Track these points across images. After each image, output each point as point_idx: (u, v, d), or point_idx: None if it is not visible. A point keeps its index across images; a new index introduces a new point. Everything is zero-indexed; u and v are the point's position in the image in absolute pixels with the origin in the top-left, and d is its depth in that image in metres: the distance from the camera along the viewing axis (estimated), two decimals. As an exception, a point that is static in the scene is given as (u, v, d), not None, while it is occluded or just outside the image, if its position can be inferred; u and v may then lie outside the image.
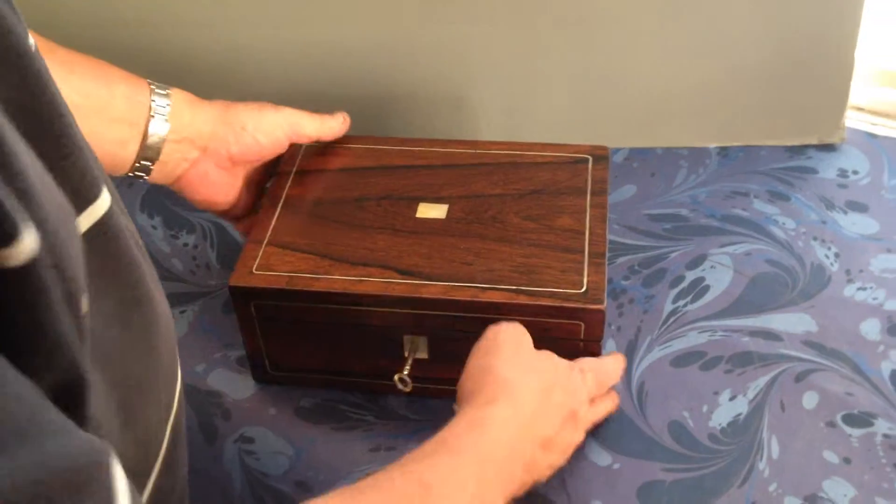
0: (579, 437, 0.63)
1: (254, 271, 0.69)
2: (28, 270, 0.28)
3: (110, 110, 0.64)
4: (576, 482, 0.67)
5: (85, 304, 0.32)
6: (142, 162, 0.67)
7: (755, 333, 0.76)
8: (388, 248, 0.70)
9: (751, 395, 0.72)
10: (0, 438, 0.25)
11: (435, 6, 0.87)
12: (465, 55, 0.91)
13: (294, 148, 0.78)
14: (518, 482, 0.56)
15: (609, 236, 0.85)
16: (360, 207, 0.74)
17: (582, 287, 0.67)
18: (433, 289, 0.67)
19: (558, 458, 0.61)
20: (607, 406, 0.68)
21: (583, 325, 0.67)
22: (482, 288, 0.67)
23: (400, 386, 0.70)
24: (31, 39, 0.35)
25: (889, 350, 0.74)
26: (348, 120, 0.79)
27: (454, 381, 0.63)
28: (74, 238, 0.33)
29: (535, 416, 0.57)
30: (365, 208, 0.74)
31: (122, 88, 0.65)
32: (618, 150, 0.96)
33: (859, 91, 0.96)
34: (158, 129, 0.66)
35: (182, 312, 0.82)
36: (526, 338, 0.62)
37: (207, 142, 0.70)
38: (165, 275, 0.85)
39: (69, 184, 0.35)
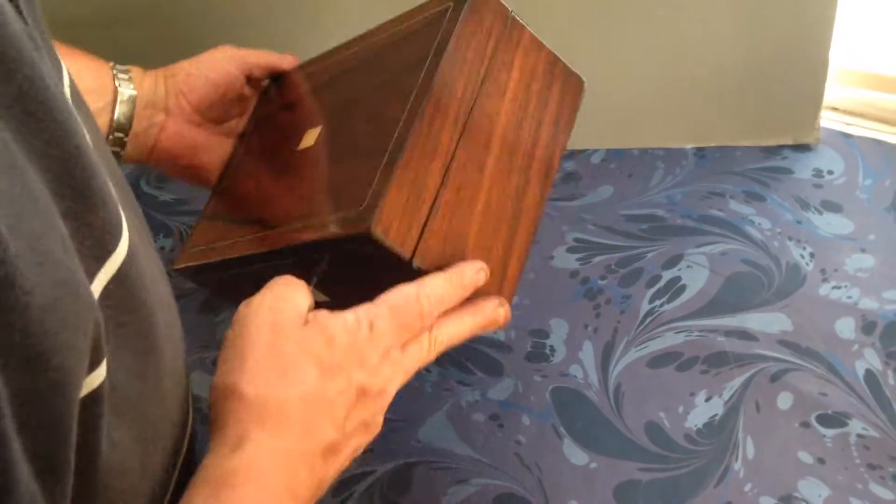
0: (383, 405, 0.49)
1: (187, 249, 0.69)
2: (99, 394, 0.28)
3: (78, 82, 0.63)
4: (552, 481, 0.67)
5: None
6: (115, 134, 0.67)
7: (731, 333, 0.77)
8: (271, 198, 0.63)
9: (726, 395, 0.72)
10: None
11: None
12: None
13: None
14: None
15: (585, 236, 0.86)
16: (266, 154, 0.70)
17: (360, 207, 0.50)
18: (277, 240, 0.57)
19: (359, 441, 0.48)
20: (453, 329, 0.52)
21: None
22: (298, 228, 0.56)
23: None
24: (66, 85, 0.35)
25: (863, 349, 0.75)
26: (295, 58, 0.76)
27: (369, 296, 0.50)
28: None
29: (306, 431, 0.44)
30: (268, 151, 0.69)
31: (85, 62, 0.65)
32: (595, 151, 0.96)
33: (834, 91, 0.97)
34: (125, 99, 0.66)
35: (158, 316, 0.81)
36: (285, 314, 0.46)
37: (165, 100, 0.69)
38: (141, 278, 0.85)
39: (91, 238, 0.34)
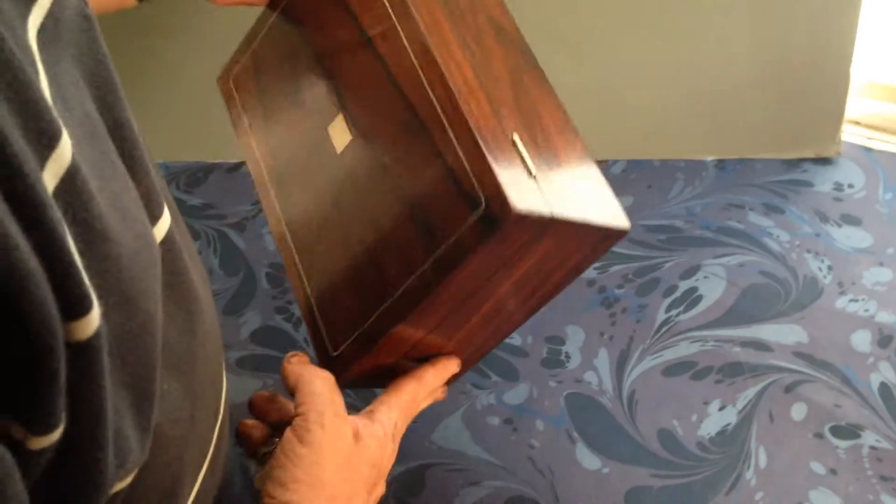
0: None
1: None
2: (93, 344, 0.28)
3: None
4: (565, 486, 0.68)
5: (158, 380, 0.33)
6: None
7: (746, 344, 0.77)
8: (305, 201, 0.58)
9: (740, 405, 0.73)
10: None
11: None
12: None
13: None
14: None
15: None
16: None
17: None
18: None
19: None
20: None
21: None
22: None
23: None
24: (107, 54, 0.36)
25: (879, 362, 0.75)
26: None
27: None
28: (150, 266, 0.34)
29: None
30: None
31: None
32: (616, 161, 0.97)
33: (856, 105, 0.97)
34: None
35: (183, 316, 0.83)
36: (344, 443, 0.51)
37: None
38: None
39: (142, 202, 0.36)
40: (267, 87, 0.64)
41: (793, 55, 0.90)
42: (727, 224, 0.89)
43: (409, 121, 0.52)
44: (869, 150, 0.96)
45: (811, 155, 0.96)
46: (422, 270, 0.50)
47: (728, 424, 0.72)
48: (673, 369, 0.76)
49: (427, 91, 0.51)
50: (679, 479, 0.68)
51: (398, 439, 0.55)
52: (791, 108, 0.93)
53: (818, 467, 0.68)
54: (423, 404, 0.58)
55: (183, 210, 0.94)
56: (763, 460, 0.69)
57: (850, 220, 0.89)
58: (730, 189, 0.93)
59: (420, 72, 0.52)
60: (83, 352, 0.28)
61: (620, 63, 0.91)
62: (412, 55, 0.52)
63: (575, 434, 0.72)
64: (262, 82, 0.64)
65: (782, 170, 0.95)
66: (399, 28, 0.53)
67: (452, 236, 0.49)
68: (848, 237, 0.87)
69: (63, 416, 0.28)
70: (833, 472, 0.68)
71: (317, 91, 0.59)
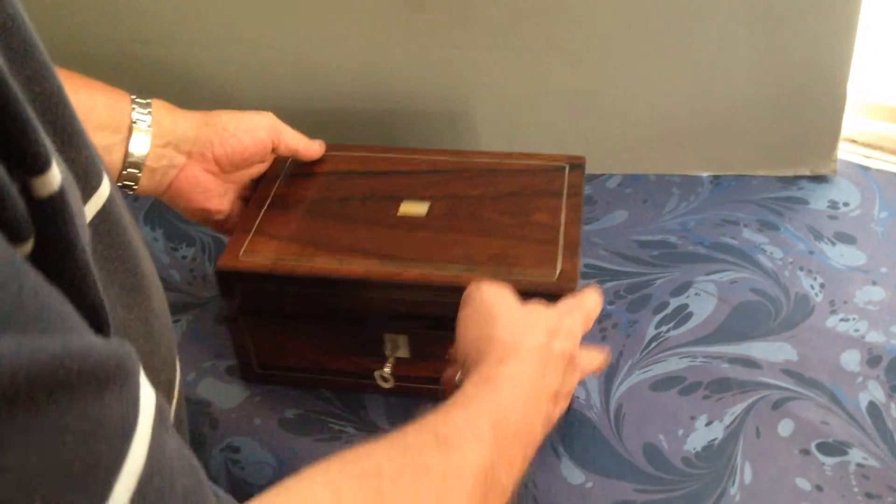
0: (577, 379, 0.63)
1: (240, 256, 0.71)
2: (59, 198, 0.29)
3: (92, 118, 0.65)
4: (548, 499, 0.68)
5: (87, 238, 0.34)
6: (129, 170, 0.69)
7: (735, 361, 0.77)
8: (370, 239, 0.72)
9: (727, 420, 0.73)
10: (21, 321, 0.25)
11: (439, 33, 0.89)
12: (465, 82, 0.93)
13: (282, 158, 0.81)
14: (537, 438, 0.55)
15: (596, 262, 0.87)
16: (344, 205, 0.76)
17: (555, 275, 0.68)
18: (412, 273, 0.69)
19: (562, 406, 0.60)
20: (599, 358, 0.67)
21: None
22: (460, 272, 0.69)
23: (380, 382, 0.72)
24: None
25: (867, 381, 0.75)
26: (324, 146, 0.81)
27: (434, 379, 0.66)
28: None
29: (544, 370, 0.57)
30: (349, 206, 0.76)
31: (102, 97, 0.67)
32: (611, 175, 0.97)
33: (853, 123, 0.97)
34: (141, 135, 0.68)
35: (176, 322, 0.84)
36: (511, 296, 0.61)
37: (192, 146, 0.71)
38: (163, 285, 0.87)
39: (75, 173, 0.36)
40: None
41: (790, 73, 0.90)
42: (721, 240, 0.89)
43: None
44: (865, 168, 0.96)
45: (807, 172, 0.96)
46: None
47: (714, 439, 0.72)
48: (661, 384, 0.76)
49: None
50: (663, 493, 0.68)
51: (577, 332, 0.61)
52: (788, 126, 0.93)
53: (804, 483, 0.68)
54: (589, 361, 0.65)
55: (179, 217, 0.95)
56: (748, 476, 0.69)
57: (845, 238, 0.89)
58: (725, 205, 0.93)
59: None
60: (49, 206, 0.29)
61: (619, 77, 0.92)
62: None
63: (560, 448, 0.72)
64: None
65: (778, 187, 0.95)
66: None
67: None
68: (842, 255, 0.87)
69: (51, 156, 0.28)
70: (819, 488, 0.68)
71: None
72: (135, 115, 0.67)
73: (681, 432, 0.72)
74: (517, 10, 0.87)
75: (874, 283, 0.84)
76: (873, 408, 0.73)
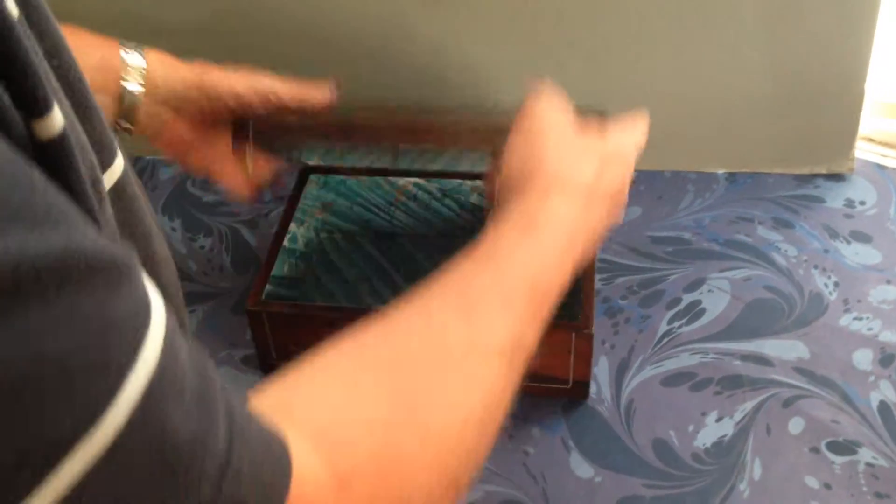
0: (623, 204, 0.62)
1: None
2: (60, 143, 0.29)
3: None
4: (556, 493, 0.69)
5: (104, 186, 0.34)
6: (121, 124, 0.68)
7: (747, 358, 0.77)
8: None
9: (738, 417, 0.73)
10: (30, 216, 0.25)
11: (453, 26, 0.90)
12: (480, 78, 0.93)
13: None
14: (567, 283, 0.54)
15: (609, 257, 0.87)
16: None
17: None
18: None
19: (600, 239, 0.59)
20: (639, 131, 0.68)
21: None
22: None
23: None
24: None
25: (879, 381, 0.75)
26: (334, 91, 0.75)
27: None
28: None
29: (588, 209, 0.56)
30: None
31: (95, 58, 0.65)
32: (627, 171, 0.97)
33: (870, 122, 0.97)
34: (132, 94, 0.67)
35: (192, 312, 0.85)
36: (567, 119, 0.59)
37: (181, 103, 0.70)
38: (180, 275, 0.88)
39: (91, 144, 0.37)
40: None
41: (807, 70, 0.90)
42: (735, 237, 0.89)
43: None
44: (882, 167, 0.96)
45: (824, 171, 0.95)
46: None
47: (724, 436, 0.72)
48: (672, 380, 0.76)
49: None
50: (672, 489, 0.68)
51: (634, 158, 0.64)
52: (805, 124, 0.93)
53: (812, 482, 0.68)
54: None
55: (197, 207, 0.96)
56: (757, 473, 0.69)
57: (860, 236, 0.88)
58: (740, 202, 0.93)
59: None
60: (51, 149, 0.29)
61: (634, 73, 0.92)
62: None
63: (570, 442, 0.72)
64: None
65: (794, 185, 0.95)
66: None
67: None
68: (857, 254, 0.86)
69: (52, 100, 0.29)
70: (827, 486, 0.68)
71: None
72: (128, 68, 0.66)
73: (691, 428, 0.73)
74: (532, 6, 0.88)
75: (889, 282, 0.84)
76: (884, 407, 0.73)
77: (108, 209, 0.37)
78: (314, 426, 0.40)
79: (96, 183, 0.34)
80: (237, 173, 0.75)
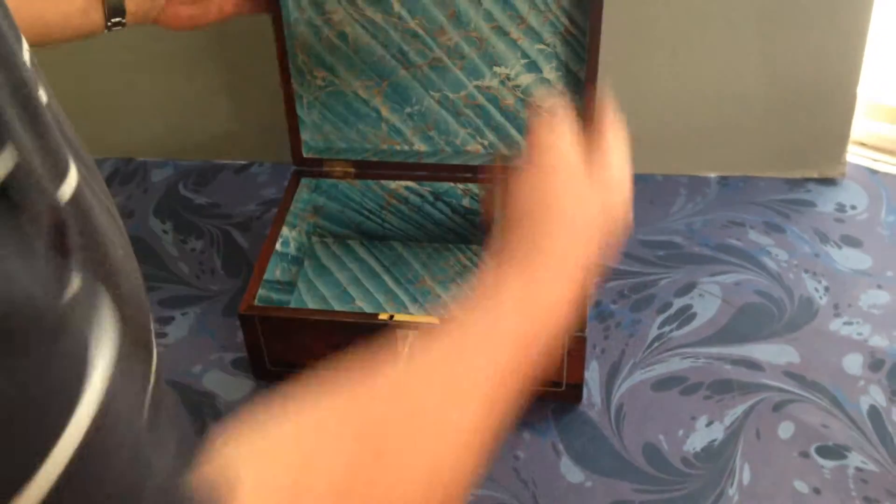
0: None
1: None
2: (77, 199, 0.29)
3: None
4: (547, 497, 0.69)
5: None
6: (112, 20, 0.68)
7: (737, 362, 0.78)
8: None
9: (728, 421, 0.73)
10: None
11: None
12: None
13: None
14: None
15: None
16: None
17: None
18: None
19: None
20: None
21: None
22: None
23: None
24: (24, 49, 0.37)
25: (869, 385, 0.75)
26: None
27: None
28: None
29: (593, 241, 0.53)
30: None
31: None
32: (619, 175, 0.97)
33: (862, 126, 0.97)
34: None
35: (184, 314, 0.85)
36: (576, 148, 0.55)
37: None
38: (171, 278, 0.89)
39: (43, 159, 0.36)
40: None
41: (800, 75, 0.90)
42: (726, 241, 0.89)
43: None
44: (874, 171, 0.96)
45: (815, 175, 0.96)
46: None
47: (714, 440, 0.72)
48: (662, 384, 0.76)
49: None
50: (662, 493, 0.69)
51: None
52: (796, 128, 0.93)
53: (802, 486, 0.69)
54: None
55: (189, 209, 0.96)
56: (747, 477, 0.69)
57: (851, 241, 0.89)
58: (731, 206, 0.93)
59: None
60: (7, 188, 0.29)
61: (627, 77, 0.92)
62: None
63: (561, 446, 0.72)
64: None
65: (785, 189, 0.95)
66: None
67: None
68: (847, 258, 0.87)
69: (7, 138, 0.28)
70: (817, 491, 0.68)
71: None
72: None
73: (681, 432, 0.73)
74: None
75: (879, 286, 0.84)
76: (874, 412, 0.73)
77: (73, 226, 0.37)
78: (272, 487, 0.39)
79: (55, 210, 0.34)
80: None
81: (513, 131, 0.84)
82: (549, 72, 0.80)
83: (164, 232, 0.94)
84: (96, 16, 0.67)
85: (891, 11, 0.92)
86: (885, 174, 0.95)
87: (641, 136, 0.96)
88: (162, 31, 0.93)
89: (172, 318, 0.85)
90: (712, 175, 0.97)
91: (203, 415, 0.76)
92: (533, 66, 0.80)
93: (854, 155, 0.97)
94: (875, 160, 0.97)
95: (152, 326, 0.50)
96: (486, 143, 0.85)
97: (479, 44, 0.79)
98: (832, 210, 0.92)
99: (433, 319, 0.72)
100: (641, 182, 0.96)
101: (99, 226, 0.42)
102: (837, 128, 0.93)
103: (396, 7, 0.78)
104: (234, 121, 1.00)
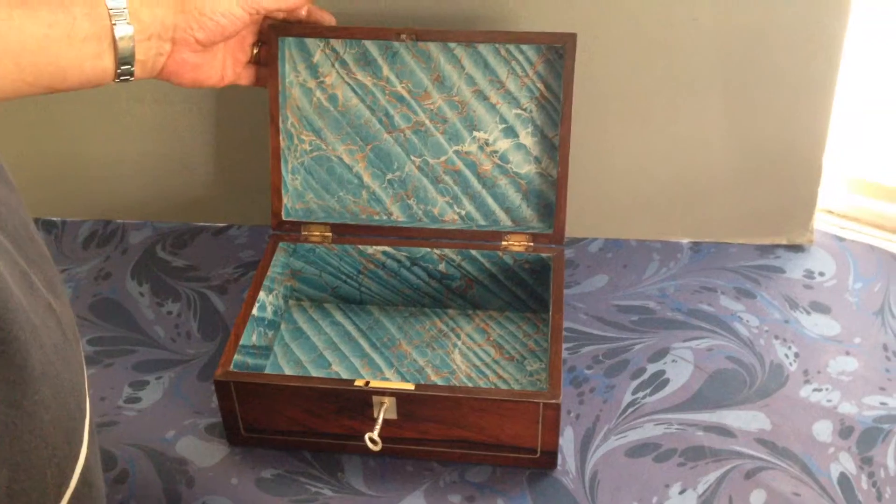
0: None
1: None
2: None
3: (76, 32, 0.66)
4: (521, 568, 0.68)
5: None
6: (122, 67, 0.70)
7: (710, 429, 0.78)
8: None
9: (700, 489, 0.74)
10: None
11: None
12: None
13: None
14: None
15: (576, 325, 0.88)
16: None
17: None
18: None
19: None
20: None
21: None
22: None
23: (370, 445, 0.73)
24: None
25: (839, 452, 0.76)
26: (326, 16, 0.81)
27: (419, 440, 0.71)
28: None
29: None
30: None
31: (79, 8, 0.67)
32: (593, 240, 0.99)
33: (830, 195, 0.99)
34: (124, 33, 0.69)
35: (158, 378, 0.85)
36: None
37: (173, 33, 0.72)
38: (147, 341, 0.89)
39: None
40: None
41: (767, 145, 0.92)
42: (698, 307, 0.90)
43: None
44: (841, 239, 0.98)
45: (784, 242, 0.98)
46: None
47: (687, 509, 0.72)
48: (636, 450, 0.77)
49: None
50: (635, 563, 0.69)
51: None
52: (765, 196, 0.95)
53: (774, 557, 0.69)
54: None
55: (166, 272, 0.96)
56: (720, 547, 0.70)
57: (820, 307, 0.90)
58: (703, 272, 0.95)
59: None
60: None
61: (602, 145, 0.94)
62: None
63: (535, 513, 0.72)
64: None
65: (756, 255, 0.97)
66: None
67: None
68: (816, 325, 0.88)
69: None
70: (789, 562, 0.69)
71: None
72: (112, 14, 0.68)
73: (654, 500, 0.73)
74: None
75: (847, 353, 0.85)
76: (844, 479, 0.74)
77: None
78: None
79: None
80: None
81: (489, 201, 0.86)
82: (525, 136, 0.82)
83: (141, 294, 0.94)
84: (108, 61, 0.68)
85: (855, 83, 0.95)
86: (853, 242, 0.97)
87: (616, 201, 0.98)
88: (143, 93, 0.95)
89: (147, 383, 0.84)
90: (685, 241, 0.99)
91: (175, 482, 0.75)
92: (510, 132, 0.82)
93: (822, 222, 0.99)
94: (842, 228, 0.99)
95: (87, 423, 0.50)
96: (462, 212, 0.86)
97: (461, 107, 0.82)
98: (801, 276, 0.94)
99: (409, 386, 0.72)
100: (616, 247, 0.98)
101: (11, 326, 0.42)
102: (804, 196, 0.95)
103: (385, 71, 0.81)
104: (213, 184, 1.01)
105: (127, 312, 0.92)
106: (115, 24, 0.68)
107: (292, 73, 0.83)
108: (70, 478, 0.48)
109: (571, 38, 0.78)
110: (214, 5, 0.73)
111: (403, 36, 0.78)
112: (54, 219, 1.03)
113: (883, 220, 0.98)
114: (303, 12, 0.80)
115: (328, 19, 0.81)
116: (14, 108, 0.98)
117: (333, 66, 0.81)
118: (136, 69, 0.71)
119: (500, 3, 0.85)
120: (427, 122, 0.83)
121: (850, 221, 0.99)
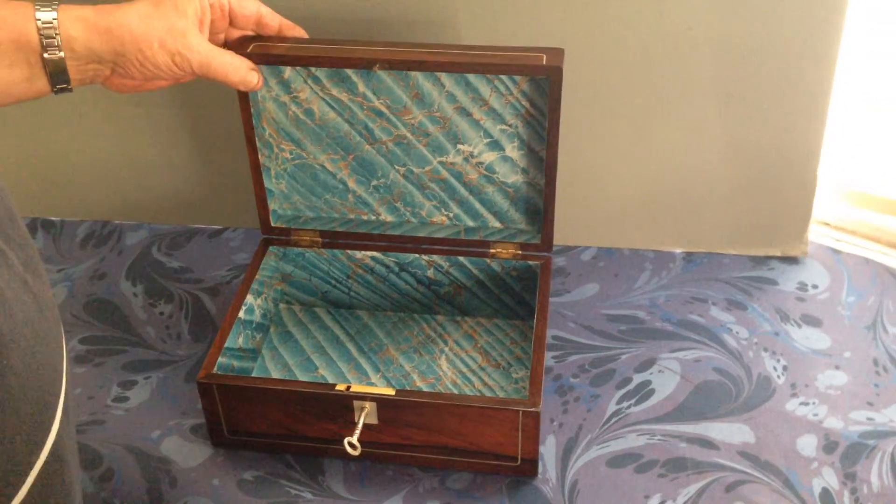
0: None
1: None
2: None
3: (2, 59, 0.66)
4: (495, 576, 0.69)
5: None
6: (58, 86, 0.69)
7: (693, 440, 0.78)
8: None
9: (680, 501, 0.73)
10: None
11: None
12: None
13: None
14: None
15: (564, 334, 0.88)
16: None
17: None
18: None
19: None
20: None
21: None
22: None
23: (349, 450, 0.73)
24: None
25: (822, 467, 0.76)
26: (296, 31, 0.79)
27: (399, 446, 0.72)
28: None
29: None
30: None
31: (5, 33, 0.66)
32: (586, 248, 0.99)
33: (828, 207, 0.99)
34: (56, 59, 0.67)
35: (146, 378, 0.85)
36: None
37: (113, 64, 0.70)
38: (137, 342, 0.89)
39: None
40: None
41: (763, 156, 0.92)
42: (689, 317, 0.90)
43: None
44: (836, 251, 0.97)
45: (778, 253, 0.97)
46: None
47: (666, 521, 0.72)
48: (618, 460, 0.77)
49: None
50: (610, 574, 0.69)
51: None
52: (760, 207, 0.95)
53: (751, 571, 0.69)
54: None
55: (161, 272, 0.97)
56: (697, 560, 0.69)
57: (811, 320, 0.90)
58: (696, 282, 0.94)
59: None
60: None
61: (597, 154, 0.94)
62: None
63: (512, 521, 0.72)
64: None
65: (749, 266, 0.96)
66: None
67: None
68: (807, 338, 0.88)
69: None
70: (766, 576, 0.68)
71: None
72: (44, 41, 0.66)
73: (633, 511, 0.73)
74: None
75: (837, 367, 0.85)
76: (826, 495, 0.73)
77: None
78: None
79: None
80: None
81: (477, 205, 0.86)
82: (512, 150, 0.82)
83: (135, 295, 0.95)
84: (41, 83, 0.68)
85: (849, 95, 0.94)
86: (848, 254, 0.97)
87: (610, 210, 0.98)
88: (142, 96, 0.96)
89: (135, 383, 0.85)
90: (678, 251, 0.98)
91: (158, 481, 0.76)
92: (496, 145, 0.82)
93: (818, 234, 0.98)
94: (838, 240, 0.98)
95: (61, 401, 0.51)
96: (450, 215, 0.86)
97: (443, 123, 0.81)
98: (794, 289, 0.93)
99: (389, 391, 0.72)
100: (608, 256, 0.98)
101: None
102: (799, 208, 0.94)
103: (361, 88, 0.80)
104: (209, 187, 1.02)
105: (120, 312, 0.93)
106: (44, 53, 0.66)
107: (264, 89, 0.81)
108: (41, 449, 0.49)
109: (557, 71, 0.74)
110: (155, 59, 0.71)
111: (376, 67, 0.76)
112: (53, 219, 1.04)
113: (879, 232, 0.97)
114: (274, 26, 0.78)
115: (300, 34, 0.79)
116: (14, 109, 0.99)
117: (306, 81, 0.80)
118: (74, 85, 0.70)
119: (491, 13, 0.85)
120: (409, 135, 0.83)
121: (847, 234, 0.99)
